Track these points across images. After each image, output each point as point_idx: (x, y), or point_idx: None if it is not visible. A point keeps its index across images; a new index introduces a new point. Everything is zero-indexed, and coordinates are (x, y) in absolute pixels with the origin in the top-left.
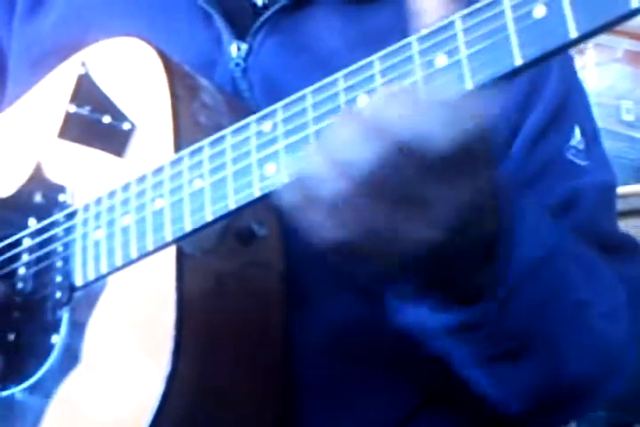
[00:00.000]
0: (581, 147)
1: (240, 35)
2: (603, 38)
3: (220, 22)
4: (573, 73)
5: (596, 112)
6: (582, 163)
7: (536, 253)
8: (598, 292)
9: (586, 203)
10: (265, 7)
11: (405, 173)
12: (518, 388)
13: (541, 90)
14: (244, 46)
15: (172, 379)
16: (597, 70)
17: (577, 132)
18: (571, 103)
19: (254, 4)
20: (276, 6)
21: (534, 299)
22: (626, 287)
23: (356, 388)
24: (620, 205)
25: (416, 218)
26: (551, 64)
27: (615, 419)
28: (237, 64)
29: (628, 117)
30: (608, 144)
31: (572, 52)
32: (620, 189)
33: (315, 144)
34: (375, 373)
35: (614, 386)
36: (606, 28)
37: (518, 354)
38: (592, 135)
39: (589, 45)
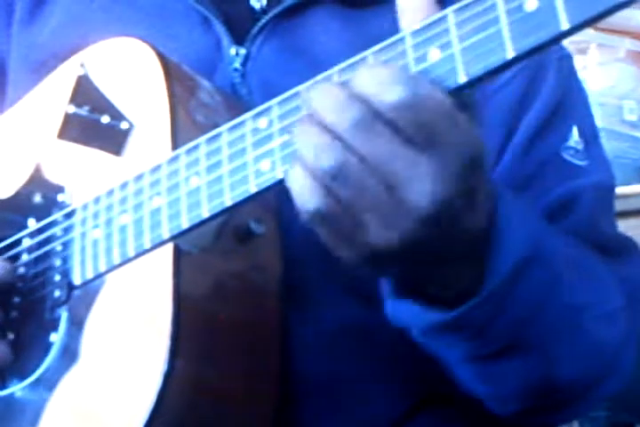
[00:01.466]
0: (580, 147)
1: (239, 40)
2: (605, 38)
3: (218, 27)
4: (572, 73)
5: (599, 112)
6: (580, 163)
7: (525, 253)
8: (594, 294)
9: (584, 204)
10: (263, 12)
11: (384, 140)
12: (512, 387)
13: (538, 90)
14: (243, 51)
15: (168, 377)
16: (600, 70)
17: (575, 132)
18: (568, 103)
19: (253, 9)
20: (275, 11)
21: (525, 299)
22: (625, 288)
23: (354, 388)
24: (622, 206)
25: (401, 205)
26: (548, 64)
27: (617, 419)
28: (236, 69)
29: (631, 117)
30: (610, 144)
31: (574, 52)
32: (622, 189)
33: (301, 121)
34: (372, 373)
35: (609, 387)
36: (597, 19)
37: (509, 353)
38: (591, 135)
39: (592, 45)
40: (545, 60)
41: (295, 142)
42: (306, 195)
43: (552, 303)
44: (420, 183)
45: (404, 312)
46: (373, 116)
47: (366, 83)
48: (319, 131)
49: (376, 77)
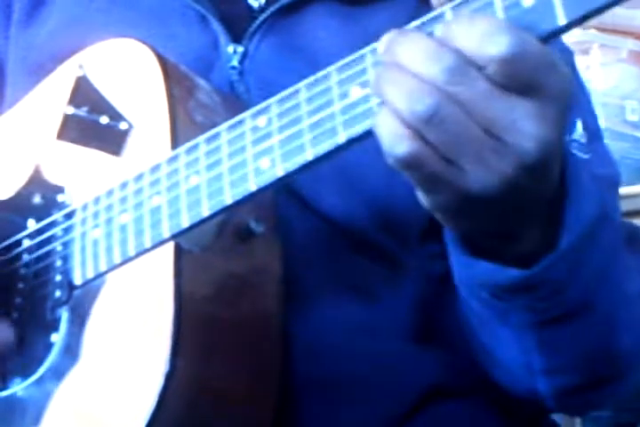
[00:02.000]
0: (583, 140)
1: (236, 38)
2: (607, 39)
3: (216, 26)
4: (573, 67)
5: (601, 112)
6: (584, 156)
7: (598, 212)
8: (628, 271)
9: None
10: (261, 10)
11: (480, 88)
12: (571, 355)
13: None
14: (240, 49)
15: (169, 377)
16: (602, 70)
17: (579, 125)
18: (573, 97)
19: (250, 7)
20: (272, 9)
21: (597, 258)
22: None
23: (354, 387)
24: (625, 206)
25: (502, 147)
26: None
27: (619, 419)
28: (234, 67)
29: (633, 118)
30: (613, 144)
31: (577, 52)
32: (626, 190)
33: (387, 67)
34: (373, 372)
35: None
36: (594, 14)
37: (578, 317)
38: (594, 130)
39: (594, 46)
40: None
41: (382, 88)
42: (395, 138)
43: (616, 266)
44: (524, 126)
45: (478, 271)
46: (469, 66)
47: (463, 34)
48: (409, 77)
49: (477, 30)
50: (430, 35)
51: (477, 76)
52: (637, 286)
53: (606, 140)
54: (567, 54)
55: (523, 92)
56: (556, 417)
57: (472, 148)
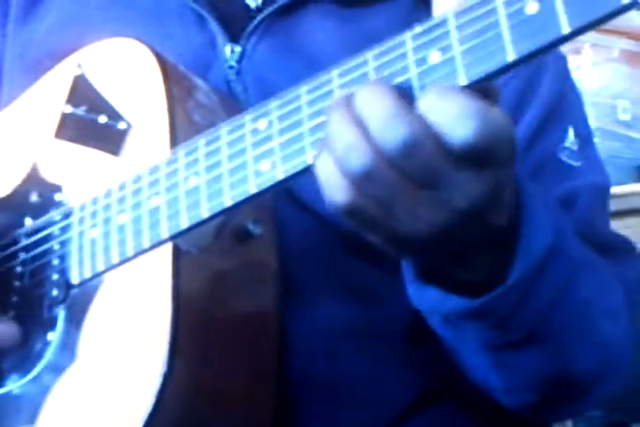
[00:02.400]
0: (575, 148)
1: (234, 37)
2: (599, 38)
3: (213, 25)
4: (568, 74)
5: (593, 112)
6: (576, 164)
7: (551, 243)
8: (601, 290)
9: (581, 204)
10: (259, 10)
11: (433, 157)
12: (526, 378)
13: (536, 91)
14: (238, 49)
15: (167, 377)
16: (594, 70)
17: (571, 133)
18: (565, 104)
19: (248, 7)
20: (270, 9)
21: (548, 289)
22: (623, 289)
23: (352, 387)
24: (617, 205)
25: (434, 200)
26: (546, 65)
27: (612, 418)
28: (231, 67)
29: (625, 117)
30: (604, 144)
31: (568, 51)
32: (617, 189)
33: (341, 113)
34: (371, 372)
35: (612, 385)
36: (598, 23)
37: (529, 343)
38: (586, 136)
39: (586, 45)
40: (542, 60)
41: (328, 130)
42: (335, 189)
43: (570, 295)
44: (461, 189)
45: (428, 297)
46: (426, 140)
47: (436, 109)
48: (354, 128)
49: (448, 106)
50: (405, 90)
51: (429, 152)
52: (614, 300)
53: (598, 140)
54: (560, 61)
55: (473, 164)
56: None
57: (404, 202)
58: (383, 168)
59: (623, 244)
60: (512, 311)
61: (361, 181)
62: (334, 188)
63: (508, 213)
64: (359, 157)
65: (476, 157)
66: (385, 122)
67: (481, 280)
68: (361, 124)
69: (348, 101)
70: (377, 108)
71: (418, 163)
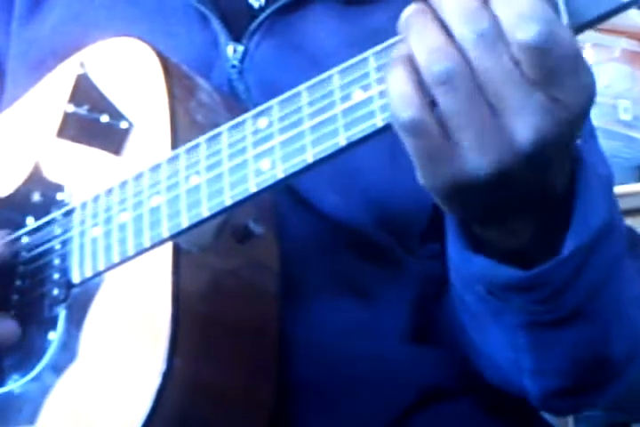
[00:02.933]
0: (578, 141)
1: (236, 37)
2: (600, 38)
3: (216, 24)
4: None
5: (594, 111)
6: None
7: (607, 218)
8: (632, 276)
9: None
10: (261, 9)
11: (506, 63)
12: (562, 359)
13: None
14: (240, 48)
15: (167, 376)
16: (595, 70)
17: None
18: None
19: (250, 6)
20: (272, 8)
21: (601, 264)
22: None
23: (353, 387)
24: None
25: (504, 128)
26: None
27: (612, 418)
28: (234, 66)
29: (626, 117)
30: (605, 143)
31: None
32: (618, 189)
33: (422, 18)
34: (370, 372)
35: (633, 373)
36: (599, 21)
37: (573, 322)
38: (589, 130)
39: (587, 45)
40: None
41: (407, 38)
42: (404, 102)
43: (616, 274)
44: (531, 116)
45: (477, 266)
46: (500, 37)
47: (503, 5)
48: (438, 31)
49: (516, 7)
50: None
51: (504, 52)
52: (636, 290)
53: (599, 140)
54: None
55: (542, 83)
56: (548, 417)
57: (473, 123)
58: (461, 72)
59: (636, 238)
60: (565, 285)
61: (439, 86)
62: (405, 103)
63: (567, 178)
64: (442, 60)
65: (541, 69)
66: (464, 16)
67: (526, 250)
68: (441, 22)
69: (425, 9)
70: (456, 5)
71: (493, 66)
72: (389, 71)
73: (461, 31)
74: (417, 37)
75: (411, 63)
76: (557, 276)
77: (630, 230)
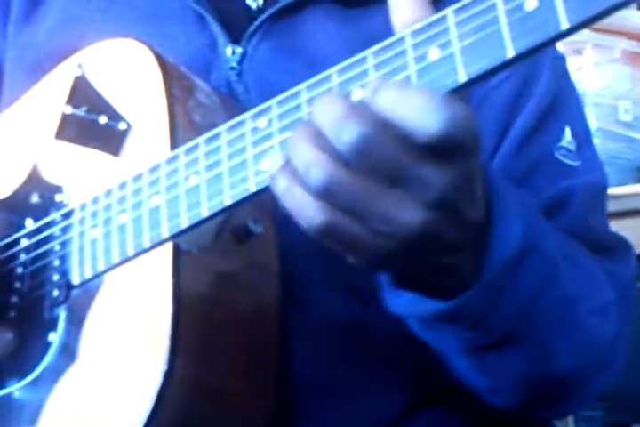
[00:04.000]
0: (572, 147)
1: (235, 39)
2: (601, 39)
3: (214, 26)
4: (565, 73)
5: (594, 112)
6: (573, 163)
7: (524, 242)
8: (587, 288)
9: (576, 203)
10: (260, 11)
11: (393, 152)
12: (510, 379)
13: (532, 90)
14: (239, 50)
15: (168, 376)
16: (595, 71)
17: (567, 132)
18: (561, 104)
19: (249, 8)
20: (271, 10)
21: (523, 288)
22: (615, 287)
23: (351, 387)
24: (618, 206)
25: (404, 198)
26: (542, 64)
27: (613, 419)
28: (232, 68)
29: (626, 118)
30: (605, 144)
31: (570, 52)
32: (618, 190)
33: (300, 126)
34: (370, 372)
35: (604, 382)
36: (597, 19)
37: (507, 345)
38: (584, 136)
39: (587, 46)
40: (539, 60)
41: (288, 154)
42: (307, 213)
43: (548, 294)
44: (428, 181)
45: (403, 302)
46: (385, 131)
47: (398, 106)
48: (312, 142)
49: (410, 103)
50: (347, 95)
51: (390, 148)
52: (603, 298)
53: (599, 140)
54: (558, 61)
55: (438, 156)
56: None
57: (375, 208)
58: (344, 176)
59: (618, 242)
60: (485, 311)
61: (328, 196)
62: (306, 212)
63: (484, 208)
64: (319, 172)
65: (442, 148)
66: (337, 124)
67: (459, 284)
68: (318, 136)
69: (308, 120)
70: (328, 113)
71: (378, 161)
72: (282, 187)
73: (336, 141)
74: (293, 153)
75: (296, 175)
76: (476, 304)
77: (614, 236)
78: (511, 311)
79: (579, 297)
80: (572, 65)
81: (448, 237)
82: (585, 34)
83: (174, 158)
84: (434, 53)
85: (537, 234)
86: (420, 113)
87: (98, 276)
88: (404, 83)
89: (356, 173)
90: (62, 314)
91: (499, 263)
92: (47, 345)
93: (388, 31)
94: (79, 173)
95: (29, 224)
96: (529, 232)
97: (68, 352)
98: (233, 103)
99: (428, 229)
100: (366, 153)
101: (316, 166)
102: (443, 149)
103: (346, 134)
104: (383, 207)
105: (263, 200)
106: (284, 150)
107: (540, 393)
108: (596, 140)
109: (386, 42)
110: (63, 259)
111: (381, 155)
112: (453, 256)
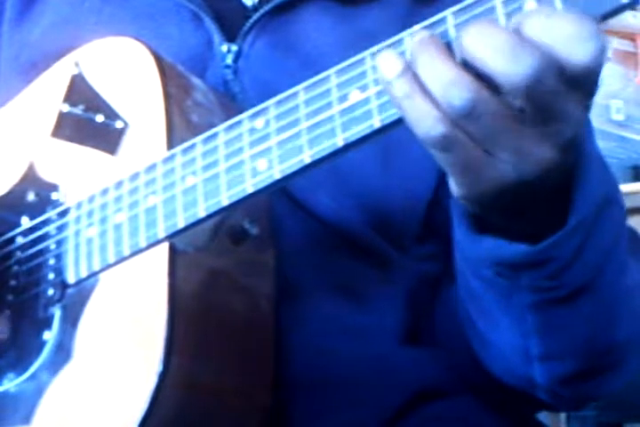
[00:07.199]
0: None
1: (230, 37)
2: None
3: (209, 24)
4: None
5: None
6: None
7: (607, 190)
8: (626, 263)
9: None
10: (255, 9)
11: (551, 82)
12: (573, 339)
13: None
14: (235, 48)
15: (163, 376)
16: None
17: None
18: None
19: (244, 6)
20: (266, 8)
21: (602, 238)
22: None
23: (347, 387)
24: None
25: (545, 133)
26: None
27: (605, 418)
28: (228, 66)
29: (618, 117)
30: (598, 144)
31: None
32: None
33: (432, 51)
34: (363, 373)
35: (632, 366)
36: (597, 22)
37: (582, 297)
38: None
39: None
40: None
41: (421, 72)
42: (430, 121)
43: (619, 253)
44: (574, 113)
45: (487, 246)
46: (551, 70)
47: (548, 33)
48: (449, 62)
49: (562, 29)
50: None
51: (552, 82)
52: (634, 280)
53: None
54: None
55: (584, 89)
56: (541, 417)
57: (510, 139)
58: (492, 102)
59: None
60: (570, 258)
61: (464, 117)
62: (425, 121)
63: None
64: (462, 93)
65: (590, 80)
66: (502, 52)
67: (534, 231)
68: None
69: (435, 39)
70: (488, 40)
71: (534, 90)
72: (405, 102)
73: (494, 70)
74: (430, 72)
75: (428, 95)
76: (563, 249)
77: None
78: (592, 260)
79: (631, 272)
80: None
81: (558, 178)
82: None
83: (171, 158)
84: None
85: (612, 183)
86: (572, 41)
87: (93, 275)
88: (549, 8)
89: (504, 102)
90: (57, 313)
91: (590, 206)
92: (42, 344)
93: (384, 28)
94: (75, 172)
95: (25, 222)
96: (610, 182)
97: (63, 351)
98: (230, 102)
99: (554, 166)
100: (531, 88)
101: (459, 86)
102: (590, 81)
103: (512, 66)
104: (520, 139)
105: (259, 201)
106: (397, 53)
107: (594, 360)
108: None
109: (385, 43)
110: (58, 257)
111: (540, 85)
112: (540, 205)
